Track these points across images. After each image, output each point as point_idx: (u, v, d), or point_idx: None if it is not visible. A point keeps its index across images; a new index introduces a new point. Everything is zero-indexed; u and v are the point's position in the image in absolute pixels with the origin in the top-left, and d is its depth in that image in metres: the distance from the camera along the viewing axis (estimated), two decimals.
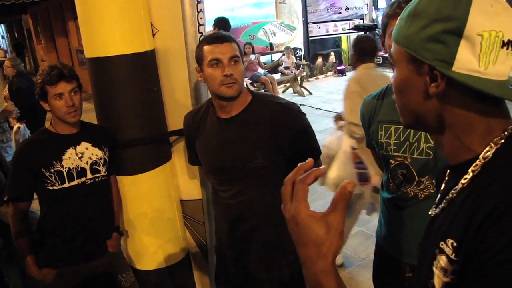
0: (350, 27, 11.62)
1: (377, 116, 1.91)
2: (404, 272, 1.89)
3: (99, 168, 2.36)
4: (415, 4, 0.86)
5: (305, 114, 2.08)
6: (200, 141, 2.13)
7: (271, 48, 11.40)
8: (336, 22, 12.23)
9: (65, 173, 2.25)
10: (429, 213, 0.97)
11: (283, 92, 10.82)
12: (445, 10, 0.81)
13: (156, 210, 2.59)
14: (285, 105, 2.05)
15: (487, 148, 0.83)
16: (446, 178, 0.96)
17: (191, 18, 2.35)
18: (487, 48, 0.79)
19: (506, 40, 0.79)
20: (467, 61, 0.80)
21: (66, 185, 2.26)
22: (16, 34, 23.06)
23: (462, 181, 0.86)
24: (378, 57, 12.49)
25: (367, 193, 3.33)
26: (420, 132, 1.73)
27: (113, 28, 2.26)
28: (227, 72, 1.88)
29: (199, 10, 2.38)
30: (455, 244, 0.81)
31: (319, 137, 2.20)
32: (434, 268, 0.86)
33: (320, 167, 0.88)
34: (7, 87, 5.91)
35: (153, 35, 2.40)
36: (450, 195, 0.89)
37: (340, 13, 12.19)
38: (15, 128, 5.18)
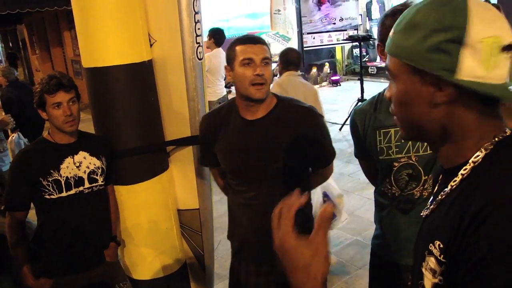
0: (345, 38, 11.67)
1: (373, 123, 1.92)
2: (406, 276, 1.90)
3: (96, 177, 2.37)
4: (412, 16, 0.88)
5: (323, 117, 2.19)
6: (222, 142, 2.14)
7: None
8: (330, 33, 12.28)
9: (62, 182, 2.25)
10: (421, 214, 1.00)
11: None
12: (445, 20, 0.83)
13: (153, 220, 2.59)
14: (308, 108, 2.12)
15: (478, 153, 0.86)
16: (439, 181, 0.99)
17: (188, 28, 2.37)
18: (488, 54, 0.81)
19: (504, 45, 0.82)
20: (470, 68, 0.82)
21: (64, 194, 2.26)
22: (11, 44, 23.01)
23: (452, 183, 0.89)
24: (372, 68, 12.58)
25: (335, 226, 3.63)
26: None
27: (110, 38, 2.27)
28: (259, 72, 1.92)
29: (196, 20, 2.40)
30: (442, 246, 0.83)
31: None
32: (423, 269, 0.88)
33: (302, 198, 0.97)
34: None
35: (151, 45, 2.41)
36: (440, 197, 0.92)
37: (334, 23, 12.25)
38: (10, 138, 5.19)
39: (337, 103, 10.15)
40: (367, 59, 12.99)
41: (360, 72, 8.59)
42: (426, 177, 1.82)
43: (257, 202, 2.12)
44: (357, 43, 10.10)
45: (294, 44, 11.78)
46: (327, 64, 12.81)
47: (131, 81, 2.35)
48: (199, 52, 2.44)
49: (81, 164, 2.33)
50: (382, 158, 1.90)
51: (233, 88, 2.16)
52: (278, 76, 4.61)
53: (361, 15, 12.93)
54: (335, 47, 12.99)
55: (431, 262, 0.86)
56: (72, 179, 2.28)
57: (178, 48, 2.40)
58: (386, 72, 0.97)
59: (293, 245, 0.88)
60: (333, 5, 12.13)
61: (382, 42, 1.79)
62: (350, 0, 12.19)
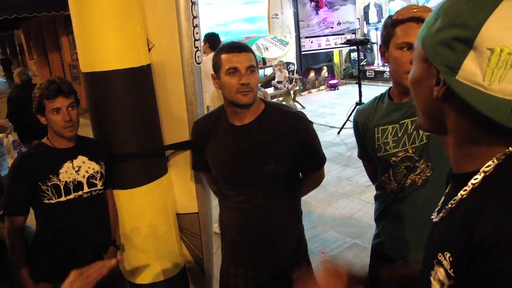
0: (342, 42, 11.69)
1: (372, 122, 1.96)
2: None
3: (95, 181, 2.37)
4: (441, 5, 0.85)
5: (312, 123, 2.17)
6: (212, 147, 2.17)
7: (264, 62, 11.46)
8: (328, 37, 12.33)
9: (61, 186, 2.26)
10: (432, 217, 0.97)
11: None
12: (462, 16, 0.78)
13: (152, 224, 2.59)
14: (296, 113, 2.14)
15: (489, 162, 0.82)
16: (450, 185, 0.97)
17: (187, 32, 2.37)
18: (495, 64, 0.74)
19: None
20: (471, 72, 0.77)
21: (63, 198, 2.26)
22: (8, 50, 23.03)
23: (462, 192, 0.86)
24: (370, 71, 12.61)
25: None
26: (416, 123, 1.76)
27: (109, 43, 2.28)
28: (244, 81, 1.95)
29: (195, 25, 2.41)
30: (451, 259, 0.81)
31: None
32: (432, 278, 0.87)
33: None
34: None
35: (149, 49, 2.41)
36: (449, 205, 0.90)
37: (332, 27, 12.29)
38: (2, 135, 5.41)
39: (335, 107, 10.18)
40: (365, 63, 13.04)
41: (358, 75, 8.61)
42: (417, 164, 1.84)
43: (246, 206, 2.14)
44: (355, 47, 10.13)
45: (292, 48, 11.83)
46: (325, 68, 12.86)
47: (130, 86, 2.36)
48: (198, 56, 2.44)
49: (80, 169, 2.33)
50: (380, 155, 1.92)
51: None
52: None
53: (358, 19, 12.99)
54: (332, 51, 13.04)
55: (440, 273, 0.84)
56: (71, 183, 2.28)
57: (177, 53, 2.40)
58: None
59: None
60: (331, 9, 12.18)
61: (384, 44, 1.81)
62: (348, 4, 12.24)
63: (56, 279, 2.31)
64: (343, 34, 12.27)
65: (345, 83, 13.02)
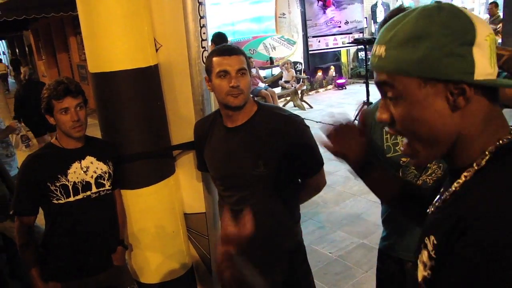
0: (350, 41, 11.67)
1: (380, 123, 1.94)
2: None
3: (103, 182, 2.38)
4: (409, 29, 0.85)
5: (308, 127, 2.13)
6: (208, 149, 2.19)
7: (271, 62, 11.46)
8: (335, 36, 12.31)
9: (70, 187, 2.27)
10: (427, 211, 1.00)
11: (284, 106, 10.84)
12: (454, 25, 0.82)
13: (160, 224, 2.60)
14: (289, 116, 2.11)
15: (482, 156, 0.86)
16: (447, 179, 0.99)
17: (194, 33, 2.38)
18: (492, 51, 0.83)
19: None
20: (483, 66, 0.82)
21: (71, 199, 2.28)
22: (17, 50, 23.19)
23: (456, 184, 0.89)
24: None
25: None
26: None
27: (117, 43, 2.29)
28: (233, 84, 1.95)
29: (202, 25, 2.42)
30: (435, 242, 0.84)
31: (320, 150, 2.23)
32: (418, 261, 0.91)
33: None
34: None
35: (157, 50, 2.42)
36: (444, 196, 0.92)
37: (339, 27, 12.27)
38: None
39: (342, 106, 10.16)
40: None
41: (365, 75, 8.58)
42: (431, 163, 1.83)
43: (239, 208, 2.12)
44: (362, 46, 10.10)
45: (299, 47, 11.82)
46: (332, 67, 12.82)
47: (137, 86, 2.37)
48: (205, 56, 2.45)
49: (88, 169, 2.34)
50: (389, 156, 1.91)
51: None
52: None
53: (366, 18, 12.95)
54: (340, 50, 13.00)
55: (424, 255, 0.88)
56: (79, 184, 2.30)
57: (184, 53, 2.41)
58: (379, 93, 0.95)
59: None
60: (338, 8, 12.15)
61: None
62: (355, 3, 12.20)
63: (65, 278, 2.34)
64: (350, 33, 12.25)
65: (353, 83, 12.98)
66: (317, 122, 8.47)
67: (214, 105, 2.61)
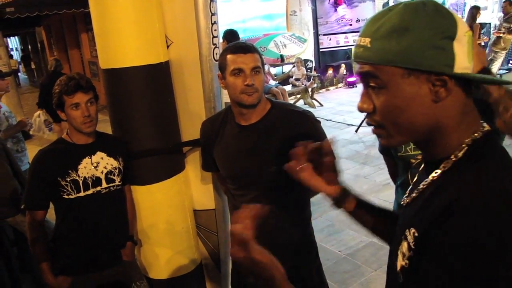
0: None
1: None
2: None
3: (114, 177, 2.39)
4: (395, 21, 0.88)
5: (320, 122, 2.13)
6: (219, 147, 2.17)
7: (282, 59, 11.44)
8: (346, 34, 12.26)
9: (80, 182, 2.28)
10: (401, 202, 1.03)
11: (294, 103, 10.83)
12: (437, 19, 0.87)
13: (169, 220, 2.60)
14: (302, 112, 2.12)
15: (460, 147, 0.90)
16: (420, 170, 1.04)
17: (205, 30, 2.38)
18: (470, 46, 0.88)
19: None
20: (461, 60, 0.87)
21: (82, 194, 2.29)
22: (29, 46, 23.38)
23: (433, 174, 0.93)
24: None
25: None
26: None
27: (128, 40, 2.29)
28: (248, 82, 1.94)
29: (213, 22, 2.42)
30: (416, 235, 0.87)
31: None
32: (398, 252, 0.94)
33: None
34: None
35: (168, 46, 2.43)
36: (421, 186, 0.96)
37: (350, 25, 12.22)
38: (35, 115, 6.92)
39: (353, 104, 10.06)
40: None
41: None
42: None
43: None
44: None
45: (310, 45, 11.79)
46: (343, 65, 12.77)
47: (148, 82, 2.37)
48: (216, 53, 2.45)
49: (99, 165, 2.35)
50: (400, 154, 1.91)
51: None
52: None
53: None
54: (351, 49, 12.92)
55: (404, 246, 0.91)
56: (89, 179, 2.31)
57: (195, 50, 2.41)
58: (361, 83, 0.98)
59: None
60: (350, 6, 12.11)
61: None
62: (367, 1, 12.14)
63: (75, 273, 2.36)
64: None
65: None
66: (327, 120, 8.46)
67: (223, 102, 2.61)
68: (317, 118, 2.13)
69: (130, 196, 2.56)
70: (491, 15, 13.40)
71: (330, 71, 12.56)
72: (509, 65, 11.66)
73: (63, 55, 16.29)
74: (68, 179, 2.26)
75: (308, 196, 2.26)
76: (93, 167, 2.33)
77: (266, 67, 9.77)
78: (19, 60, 25.65)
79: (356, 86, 12.36)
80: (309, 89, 10.57)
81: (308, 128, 2.06)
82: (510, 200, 0.78)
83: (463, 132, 0.91)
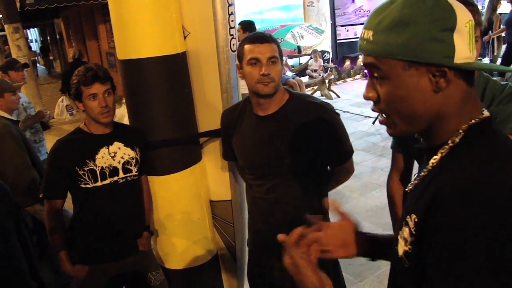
0: None
1: None
2: None
3: (131, 167, 2.41)
4: (395, 14, 0.91)
5: (339, 114, 2.12)
6: (237, 137, 2.18)
7: (299, 51, 11.38)
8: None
9: (98, 172, 2.30)
10: (406, 189, 1.06)
11: (311, 95, 10.78)
12: (437, 12, 0.88)
13: (186, 211, 2.62)
14: (320, 104, 2.10)
15: (456, 134, 0.93)
16: (424, 157, 1.05)
17: (222, 21, 2.37)
18: (471, 36, 0.90)
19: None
20: (462, 51, 0.89)
21: (99, 183, 2.31)
22: (48, 38, 23.60)
23: (432, 160, 0.96)
24: None
25: None
26: None
27: (145, 30, 2.30)
28: (264, 72, 1.94)
29: (230, 13, 2.41)
30: (416, 220, 0.91)
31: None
32: (399, 237, 0.97)
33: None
34: None
35: (185, 37, 2.43)
36: (422, 173, 1.00)
37: (368, 16, 12.11)
38: (59, 100, 7.48)
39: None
40: None
41: None
42: None
43: (270, 196, 2.13)
44: None
45: (327, 36, 11.71)
46: (360, 57, 12.62)
47: (165, 73, 2.38)
48: (233, 44, 2.44)
49: (116, 155, 2.37)
50: (418, 146, 1.89)
51: None
52: None
53: None
54: None
55: (405, 232, 0.94)
56: (107, 169, 2.33)
57: (212, 40, 2.41)
58: (366, 73, 0.99)
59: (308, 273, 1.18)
60: None
61: None
62: None
63: (92, 262, 2.38)
64: None
65: None
66: (344, 111, 8.41)
67: (239, 93, 2.61)
68: (336, 111, 2.12)
69: (147, 186, 2.58)
70: None
71: (347, 63, 12.46)
72: None
73: (81, 46, 16.42)
74: (86, 169, 2.28)
75: (326, 186, 2.26)
76: (110, 157, 2.34)
77: (284, 58, 9.72)
78: (38, 51, 25.94)
79: None
80: (326, 81, 10.51)
81: (326, 120, 2.06)
82: (494, 187, 0.80)
83: (462, 119, 0.93)
